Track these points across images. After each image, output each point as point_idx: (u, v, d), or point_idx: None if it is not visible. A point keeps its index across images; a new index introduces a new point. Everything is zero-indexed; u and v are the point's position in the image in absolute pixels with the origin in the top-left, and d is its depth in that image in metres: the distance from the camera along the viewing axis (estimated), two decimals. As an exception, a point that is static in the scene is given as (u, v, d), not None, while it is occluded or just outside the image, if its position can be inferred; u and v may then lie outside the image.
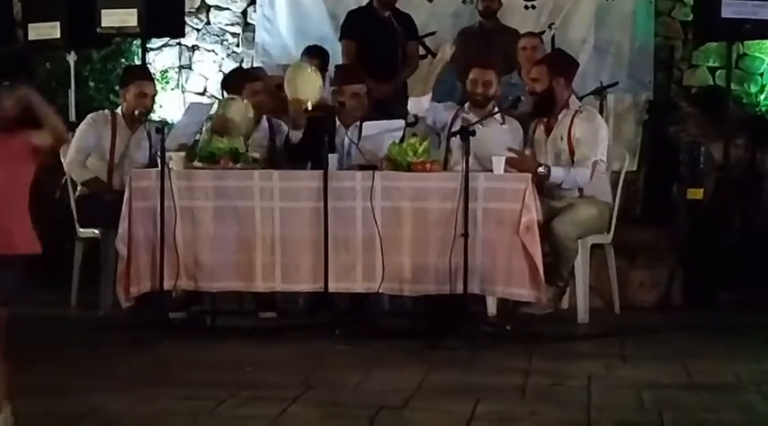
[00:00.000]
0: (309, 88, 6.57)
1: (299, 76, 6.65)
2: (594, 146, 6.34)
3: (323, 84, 6.77)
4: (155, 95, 6.97)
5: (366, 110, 6.64)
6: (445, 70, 6.88)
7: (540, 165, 6.22)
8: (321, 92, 6.70)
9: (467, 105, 6.69)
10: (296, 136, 6.54)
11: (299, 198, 6.05)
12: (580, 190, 6.39)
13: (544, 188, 6.33)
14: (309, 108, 6.41)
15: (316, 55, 7.77)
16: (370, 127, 6.36)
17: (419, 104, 6.63)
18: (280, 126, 6.84)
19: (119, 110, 6.86)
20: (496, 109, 6.57)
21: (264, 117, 6.89)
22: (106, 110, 6.99)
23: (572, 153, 6.36)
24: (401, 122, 6.49)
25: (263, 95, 6.88)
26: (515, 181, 5.95)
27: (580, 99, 7.15)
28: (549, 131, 6.48)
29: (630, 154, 7.36)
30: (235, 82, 7.08)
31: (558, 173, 6.27)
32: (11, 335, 4.27)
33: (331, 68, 7.81)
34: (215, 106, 6.92)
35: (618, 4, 8.40)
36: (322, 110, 6.66)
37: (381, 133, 6.24)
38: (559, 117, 6.44)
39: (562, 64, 6.59)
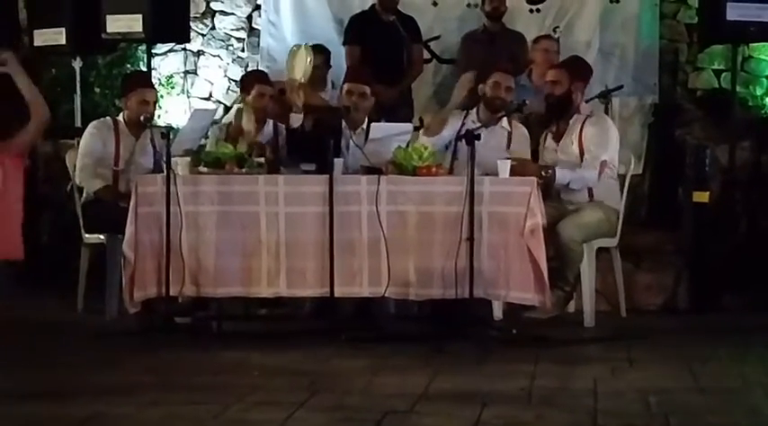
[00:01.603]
0: (299, 64, 6.61)
1: (292, 57, 6.77)
2: (603, 147, 6.35)
3: (311, 58, 6.79)
4: (156, 101, 6.99)
5: (370, 113, 6.63)
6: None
7: (544, 169, 6.22)
8: (310, 64, 6.71)
9: (474, 110, 6.69)
10: (296, 119, 6.53)
11: (305, 202, 6.05)
12: (590, 194, 6.39)
13: (551, 192, 6.34)
14: (302, 80, 6.46)
15: (318, 51, 7.79)
16: (377, 129, 6.36)
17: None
18: (283, 130, 6.85)
19: (120, 117, 6.87)
20: (503, 113, 6.57)
21: (270, 120, 6.90)
22: (108, 118, 7.00)
23: (582, 156, 6.37)
24: (409, 126, 6.52)
25: (268, 99, 6.90)
26: (520, 184, 5.94)
27: (586, 102, 7.16)
28: (558, 138, 6.48)
29: (636, 157, 7.35)
30: (249, 79, 7.15)
31: (563, 174, 6.27)
32: (17, 339, 4.28)
33: (332, 71, 7.83)
34: (220, 111, 6.96)
35: (622, 6, 8.39)
36: (328, 112, 6.67)
37: (389, 136, 6.24)
38: (570, 122, 6.45)
39: (581, 69, 6.62)
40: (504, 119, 6.61)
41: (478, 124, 6.39)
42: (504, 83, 6.62)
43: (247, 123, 6.80)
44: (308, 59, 6.72)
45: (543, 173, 6.21)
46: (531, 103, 6.62)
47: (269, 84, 6.96)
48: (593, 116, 6.53)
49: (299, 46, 7.08)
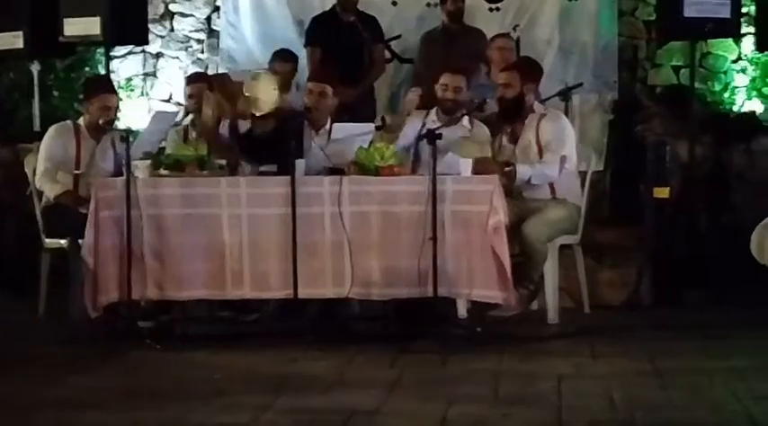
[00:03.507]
0: (265, 93, 6.54)
1: (256, 83, 6.64)
2: (561, 142, 6.37)
3: (276, 88, 6.76)
4: (118, 106, 6.94)
5: (331, 112, 6.61)
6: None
7: (505, 165, 6.24)
8: (275, 95, 6.67)
9: (433, 111, 6.69)
10: (243, 125, 6.48)
11: (267, 204, 6.03)
12: (552, 191, 6.41)
13: (513, 190, 6.35)
14: (258, 113, 6.44)
15: (287, 58, 7.73)
16: (339, 129, 6.35)
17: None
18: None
19: (81, 121, 6.82)
20: (464, 114, 6.58)
21: (227, 120, 6.84)
22: (69, 122, 6.94)
23: (541, 154, 6.38)
24: (371, 126, 6.50)
25: (222, 100, 6.83)
26: (483, 183, 5.96)
27: (545, 100, 7.18)
28: (514, 139, 6.48)
29: (597, 154, 7.35)
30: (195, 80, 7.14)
31: (524, 170, 6.28)
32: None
33: (299, 74, 7.81)
34: (180, 114, 6.93)
35: (582, 4, 8.42)
36: (290, 114, 6.65)
37: (351, 137, 6.24)
38: (526, 122, 6.46)
39: (532, 70, 6.61)
40: (465, 118, 6.62)
41: (438, 124, 6.40)
42: (452, 84, 6.61)
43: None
44: (274, 89, 6.66)
45: (505, 169, 6.22)
46: (490, 102, 6.63)
47: (196, 82, 6.95)
48: (548, 114, 6.54)
49: (258, 74, 6.99)
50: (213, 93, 6.64)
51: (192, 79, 7.22)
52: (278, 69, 7.64)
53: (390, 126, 6.76)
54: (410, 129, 6.68)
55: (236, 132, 6.52)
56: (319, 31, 7.96)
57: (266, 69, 7.55)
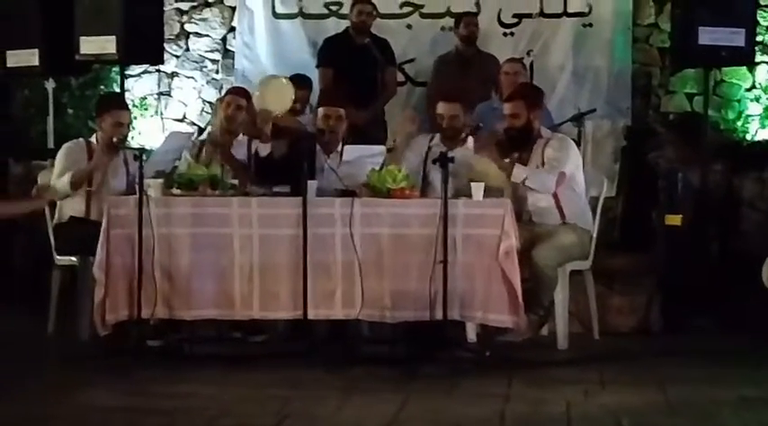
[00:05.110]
0: (280, 98, 6.62)
1: (269, 87, 6.77)
2: (562, 160, 6.35)
3: (293, 96, 6.82)
4: (130, 123, 6.96)
5: (343, 135, 6.64)
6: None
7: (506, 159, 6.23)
8: (290, 102, 6.78)
9: (437, 135, 6.70)
10: (264, 149, 6.52)
11: (278, 225, 6.03)
12: (562, 216, 6.40)
13: (523, 215, 6.35)
14: (278, 114, 6.52)
15: (303, 84, 7.74)
16: (350, 151, 6.36)
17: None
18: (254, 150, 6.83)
19: (93, 139, 6.85)
20: (468, 136, 6.59)
21: (245, 136, 6.86)
22: (81, 139, 6.97)
23: None
24: (382, 148, 6.51)
25: (235, 108, 6.83)
26: (494, 207, 5.96)
27: (558, 125, 7.19)
28: (524, 165, 6.48)
29: (609, 180, 7.35)
30: (227, 91, 7.18)
31: (520, 171, 6.27)
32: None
33: (314, 97, 7.83)
34: (194, 135, 6.94)
35: (596, 30, 8.45)
36: (302, 136, 6.67)
37: (362, 158, 6.25)
38: (534, 148, 6.46)
39: (536, 96, 6.61)
40: (470, 139, 6.62)
41: (443, 147, 6.40)
42: (447, 113, 6.63)
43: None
44: (289, 96, 6.72)
45: (505, 160, 6.22)
46: (483, 128, 6.59)
47: (241, 97, 6.93)
48: (554, 139, 6.53)
49: (277, 77, 7.06)
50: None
51: (237, 92, 7.12)
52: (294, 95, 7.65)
53: (395, 149, 6.76)
54: (412, 154, 6.69)
55: (251, 152, 6.55)
56: (332, 52, 7.99)
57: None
